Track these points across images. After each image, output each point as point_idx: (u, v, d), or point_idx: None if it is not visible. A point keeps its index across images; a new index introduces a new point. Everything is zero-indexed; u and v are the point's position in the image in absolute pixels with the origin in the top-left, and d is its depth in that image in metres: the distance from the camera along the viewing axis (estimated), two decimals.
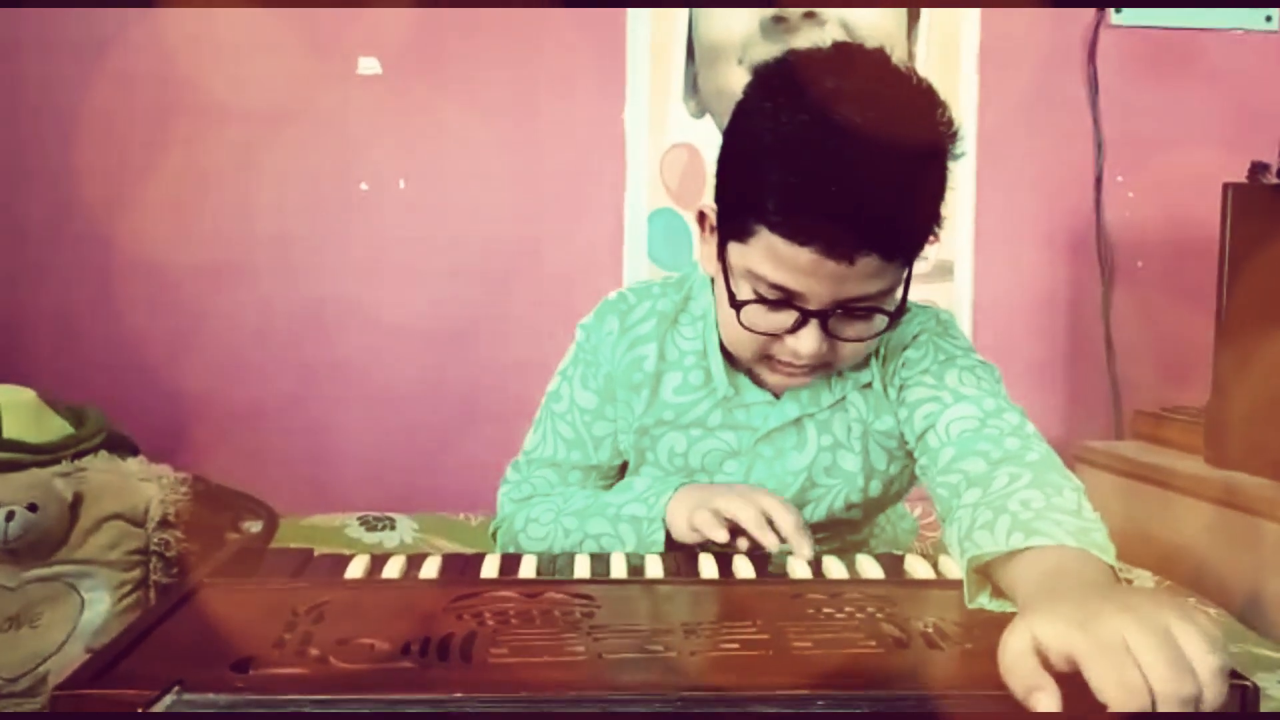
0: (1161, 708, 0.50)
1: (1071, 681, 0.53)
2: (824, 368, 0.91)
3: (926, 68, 1.80)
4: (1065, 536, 0.69)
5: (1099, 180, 1.91)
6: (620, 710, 0.53)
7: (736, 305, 0.85)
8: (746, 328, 0.86)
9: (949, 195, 0.84)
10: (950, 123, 0.81)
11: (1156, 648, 0.52)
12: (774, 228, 0.79)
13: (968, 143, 0.84)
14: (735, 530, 0.87)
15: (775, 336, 0.86)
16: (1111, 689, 0.51)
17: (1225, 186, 1.52)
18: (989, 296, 1.91)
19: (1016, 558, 0.69)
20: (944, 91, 0.82)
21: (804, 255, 0.78)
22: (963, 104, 1.85)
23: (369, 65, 1.78)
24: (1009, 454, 0.83)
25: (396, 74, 1.79)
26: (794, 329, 0.85)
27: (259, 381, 1.82)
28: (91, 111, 1.73)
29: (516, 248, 1.84)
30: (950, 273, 1.89)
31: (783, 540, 0.85)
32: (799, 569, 0.81)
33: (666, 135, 1.82)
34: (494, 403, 1.82)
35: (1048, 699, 0.52)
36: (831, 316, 0.84)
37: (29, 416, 1.25)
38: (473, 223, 1.83)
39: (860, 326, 0.86)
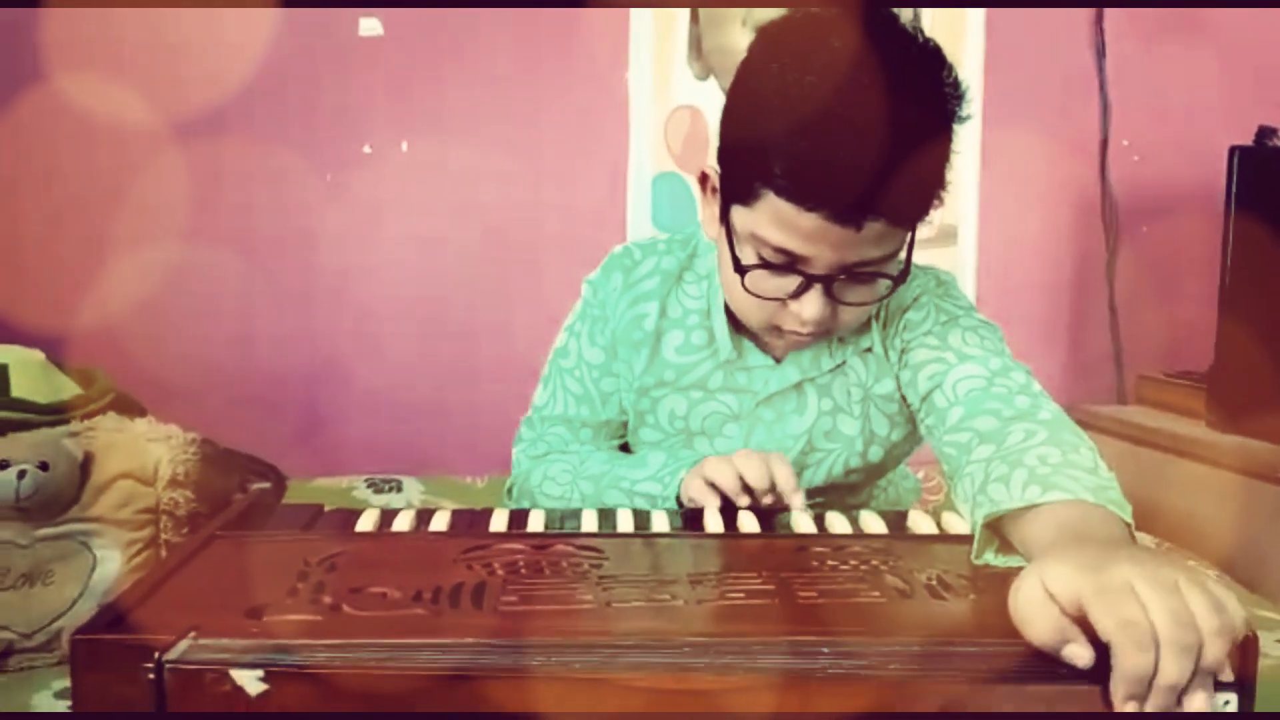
0: (1163, 655, 0.51)
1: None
2: (825, 333, 0.91)
3: (932, 29, 1.78)
4: (1084, 492, 0.69)
5: (1105, 143, 1.91)
6: (629, 656, 0.54)
7: (741, 270, 0.85)
8: (750, 292, 0.86)
9: (954, 159, 0.83)
10: (957, 85, 0.80)
11: (1162, 597, 0.52)
12: (780, 192, 0.78)
13: (974, 105, 0.83)
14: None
15: (779, 301, 0.86)
16: (1115, 626, 0.51)
17: (1232, 150, 1.52)
18: (993, 261, 1.91)
19: (1033, 512, 0.69)
20: (950, 53, 0.81)
21: (810, 220, 0.78)
22: (969, 66, 1.83)
23: (370, 26, 1.77)
24: (1021, 411, 0.83)
25: (398, 35, 1.78)
26: (797, 294, 0.84)
27: (263, 346, 1.82)
28: (96, 82, 1.72)
29: (520, 211, 1.83)
30: (954, 237, 1.89)
31: (757, 496, 0.85)
32: (802, 523, 0.82)
33: (670, 98, 1.81)
34: (498, 367, 1.83)
35: (1084, 652, 0.53)
36: (835, 281, 0.83)
37: (38, 377, 1.26)
38: (476, 186, 1.82)
39: (864, 291, 0.86)
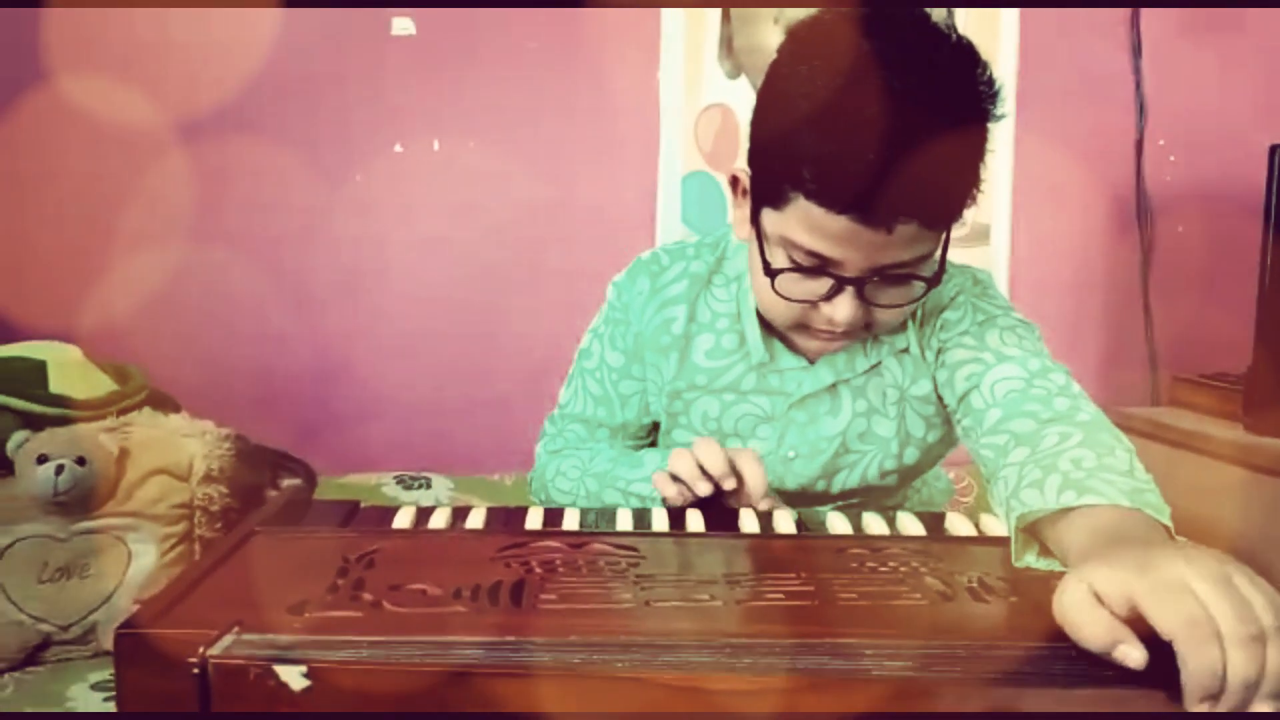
0: (1230, 650, 0.49)
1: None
2: (860, 334, 0.90)
3: (966, 27, 1.77)
4: (1119, 496, 0.68)
5: (1140, 143, 1.88)
6: (670, 655, 0.53)
7: (771, 273, 0.84)
8: (781, 295, 0.85)
9: (988, 158, 0.81)
10: (991, 83, 0.78)
11: (1219, 591, 0.51)
12: (810, 195, 0.77)
13: (1007, 104, 0.82)
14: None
15: (810, 304, 0.85)
16: (1172, 620, 0.50)
17: (1272, 149, 1.50)
18: (1026, 261, 1.89)
19: (1068, 516, 0.68)
20: (983, 50, 0.80)
21: (841, 223, 0.77)
22: (1003, 64, 1.82)
23: (403, 26, 1.78)
24: (1059, 414, 0.82)
25: (430, 34, 1.78)
26: (829, 296, 0.83)
27: (292, 344, 1.83)
28: (127, 77, 1.73)
29: (549, 210, 1.83)
30: (987, 237, 1.87)
31: (718, 481, 0.84)
32: (837, 525, 0.81)
33: (701, 96, 1.81)
34: (526, 365, 1.83)
35: (1136, 652, 0.51)
36: (868, 284, 0.82)
37: (75, 373, 1.28)
38: (506, 184, 1.83)
39: (897, 293, 0.85)
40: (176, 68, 1.75)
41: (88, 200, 1.77)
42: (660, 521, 0.81)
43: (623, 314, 1.02)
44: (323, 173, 1.80)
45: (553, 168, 1.83)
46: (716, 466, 0.84)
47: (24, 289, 1.71)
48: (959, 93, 0.76)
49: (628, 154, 1.83)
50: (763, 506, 0.85)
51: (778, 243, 0.83)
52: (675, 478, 0.86)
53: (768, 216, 0.84)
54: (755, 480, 0.85)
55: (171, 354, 1.73)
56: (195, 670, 0.52)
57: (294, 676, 0.51)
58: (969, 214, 0.83)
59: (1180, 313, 1.90)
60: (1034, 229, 1.89)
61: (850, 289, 0.82)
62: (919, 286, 0.85)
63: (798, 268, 0.83)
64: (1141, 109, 1.87)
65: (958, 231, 0.86)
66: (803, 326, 0.89)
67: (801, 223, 0.79)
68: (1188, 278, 1.90)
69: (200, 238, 1.79)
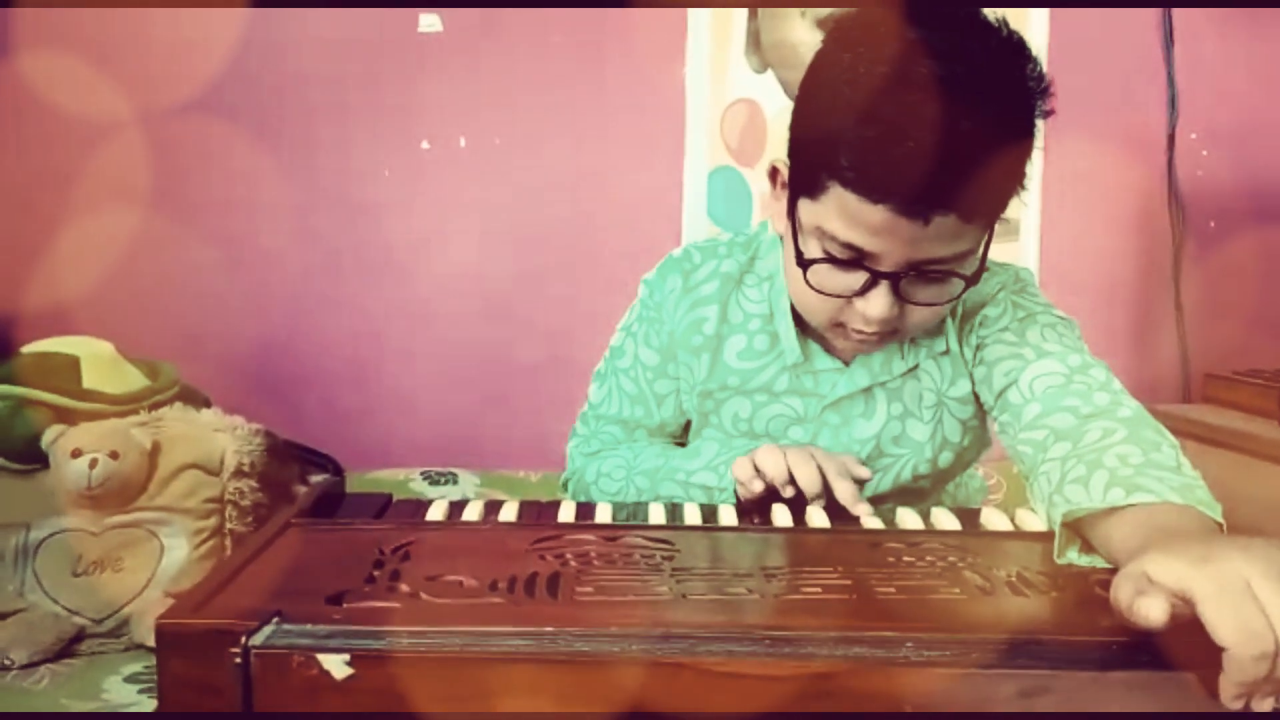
0: None
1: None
2: (894, 334, 0.88)
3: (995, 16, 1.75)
4: (1170, 493, 0.66)
5: (1172, 137, 1.86)
6: (710, 645, 0.53)
7: (804, 264, 0.82)
8: (814, 288, 0.83)
9: (1033, 154, 0.79)
10: (1041, 77, 0.77)
11: (1278, 589, 0.49)
12: (846, 183, 0.76)
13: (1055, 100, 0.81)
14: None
15: (844, 299, 0.84)
16: (1231, 631, 0.49)
17: None
18: (1055, 256, 1.87)
19: (1117, 514, 0.67)
20: None
21: (877, 213, 0.75)
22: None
23: (430, 22, 1.78)
24: (1099, 409, 0.80)
25: (457, 30, 1.79)
26: (863, 291, 0.81)
27: (320, 340, 1.84)
28: (159, 76, 1.75)
29: (575, 206, 1.83)
30: (1016, 231, 1.85)
31: (803, 494, 0.83)
32: (871, 520, 0.81)
33: (727, 91, 1.79)
34: (553, 361, 1.83)
35: (1156, 605, 0.50)
36: (904, 279, 0.80)
37: (107, 368, 1.29)
38: (532, 179, 1.82)
39: (934, 290, 0.83)
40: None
41: (110, 198, 1.77)
42: (693, 516, 0.81)
43: (656, 312, 1.01)
44: (351, 170, 1.81)
45: (579, 164, 1.82)
46: (810, 486, 0.83)
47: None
48: (1004, 85, 0.75)
49: (654, 149, 1.82)
50: (861, 512, 0.82)
51: (812, 234, 0.82)
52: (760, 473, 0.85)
53: (804, 207, 0.82)
54: (848, 496, 0.83)
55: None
56: (237, 659, 0.52)
57: (336, 665, 0.51)
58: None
59: (1213, 308, 1.87)
60: (1064, 223, 1.87)
61: (885, 284, 0.80)
62: (957, 285, 0.83)
63: (831, 259, 0.81)
64: (1173, 102, 1.85)
65: None
66: (836, 324, 0.87)
67: (837, 212, 0.78)
68: (1220, 272, 1.87)
69: (213, 236, 1.79)
